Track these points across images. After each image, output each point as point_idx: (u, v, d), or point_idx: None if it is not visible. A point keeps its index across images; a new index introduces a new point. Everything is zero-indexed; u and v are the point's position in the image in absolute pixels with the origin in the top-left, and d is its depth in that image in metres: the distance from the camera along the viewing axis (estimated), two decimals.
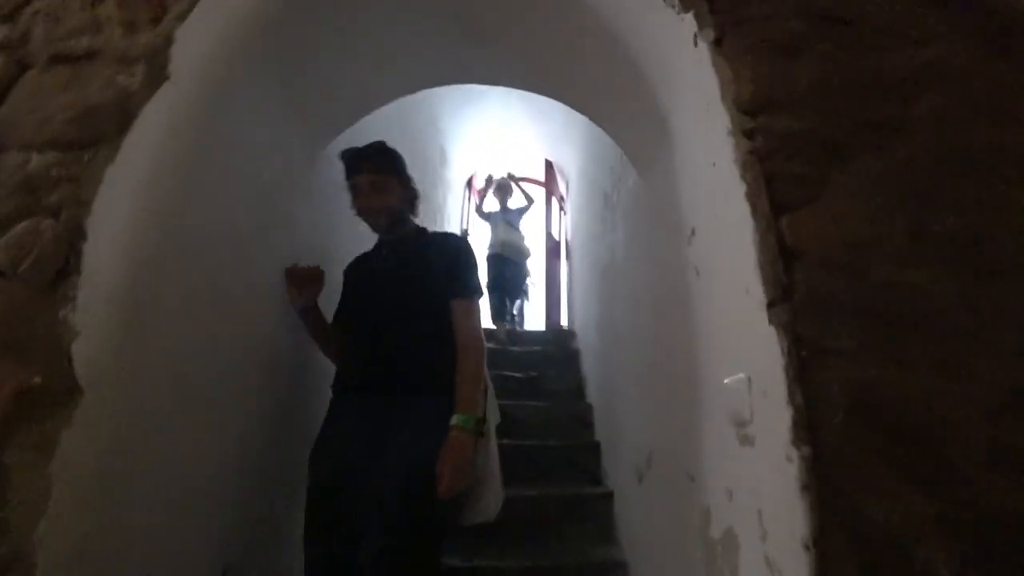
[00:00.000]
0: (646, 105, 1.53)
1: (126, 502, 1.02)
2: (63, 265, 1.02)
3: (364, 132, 2.02)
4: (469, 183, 5.83)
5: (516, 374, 3.43)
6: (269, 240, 1.59)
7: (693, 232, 1.25)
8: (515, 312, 4.75)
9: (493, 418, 1.46)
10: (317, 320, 1.64)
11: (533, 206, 5.05)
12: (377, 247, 1.69)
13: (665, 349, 1.60)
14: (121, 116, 1.16)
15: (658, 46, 1.35)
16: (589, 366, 3.48)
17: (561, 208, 6.10)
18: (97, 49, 1.24)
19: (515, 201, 5.00)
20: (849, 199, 0.95)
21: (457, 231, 4.98)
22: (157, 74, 1.19)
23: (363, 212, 1.60)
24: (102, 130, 1.14)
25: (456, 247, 1.57)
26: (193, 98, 1.21)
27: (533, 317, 5.38)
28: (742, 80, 1.06)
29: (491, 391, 1.47)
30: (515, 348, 3.92)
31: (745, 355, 0.95)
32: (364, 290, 1.56)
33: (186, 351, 1.19)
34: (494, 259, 4.68)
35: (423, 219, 1.81)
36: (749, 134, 1.00)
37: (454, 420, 1.26)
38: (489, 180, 5.02)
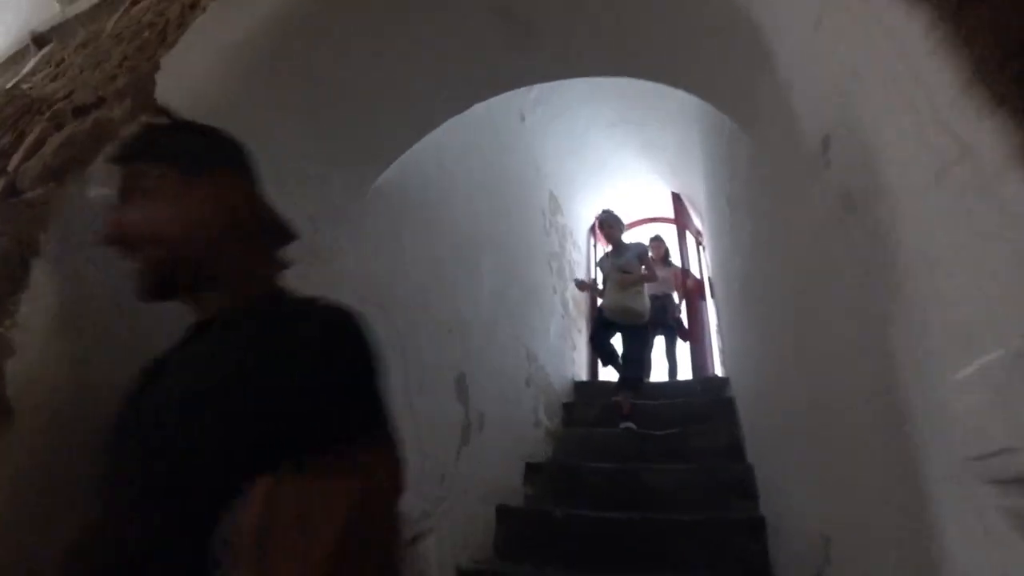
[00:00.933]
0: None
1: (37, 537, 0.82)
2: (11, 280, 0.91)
3: (455, 174, 1.84)
4: (593, 229, 5.51)
5: (654, 432, 2.86)
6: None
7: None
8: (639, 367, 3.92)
9: None
10: None
11: (652, 244, 4.60)
12: None
13: (852, 370, 0.96)
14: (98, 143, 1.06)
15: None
16: (747, 416, 2.78)
17: (699, 243, 5.45)
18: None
19: (630, 236, 4.51)
20: None
21: (585, 278, 4.56)
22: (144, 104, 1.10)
23: None
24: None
25: None
26: None
27: (680, 365, 4.71)
28: None
29: None
30: (651, 402, 3.34)
31: None
32: None
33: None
34: (601, 325, 3.72)
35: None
36: None
37: None
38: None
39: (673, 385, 3.99)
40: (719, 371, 4.34)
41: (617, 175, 5.00)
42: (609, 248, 3.96)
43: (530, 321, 3.32)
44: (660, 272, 4.19)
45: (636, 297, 3.35)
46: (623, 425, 3.18)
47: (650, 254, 4.35)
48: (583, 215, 5.15)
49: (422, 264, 2.12)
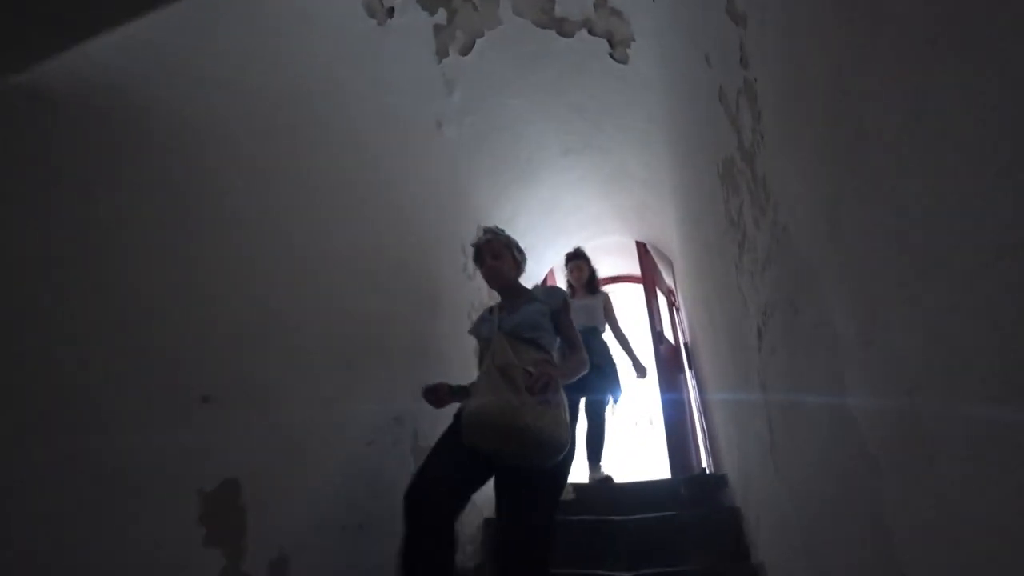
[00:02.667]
0: None
1: None
2: None
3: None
4: (544, 283, 4.58)
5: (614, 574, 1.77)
6: None
7: None
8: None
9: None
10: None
11: (570, 267, 3.54)
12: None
13: None
14: None
15: None
16: (768, 537, 1.72)
17: (672, 304, 4.56)
18: None
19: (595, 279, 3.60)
20: None
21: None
22: None
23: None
24: None
25: None
26: None
27: (639, 455, 3.65)
28: None
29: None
30: (616, 517, 2.25)
31: None
32: None
33: None
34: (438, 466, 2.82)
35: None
36: None
37: None
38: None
39: (646, 487, 2.88)
40: (708, 465, 3.29)
41: (572, 216, 4.15)
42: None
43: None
44: (584, 300, 3.29)
45: (541, 413, 1.45)
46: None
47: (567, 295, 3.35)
48: (530, 267, 4.22)
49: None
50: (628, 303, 5.36)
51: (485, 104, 3.04)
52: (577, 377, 1.72)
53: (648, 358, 3.76)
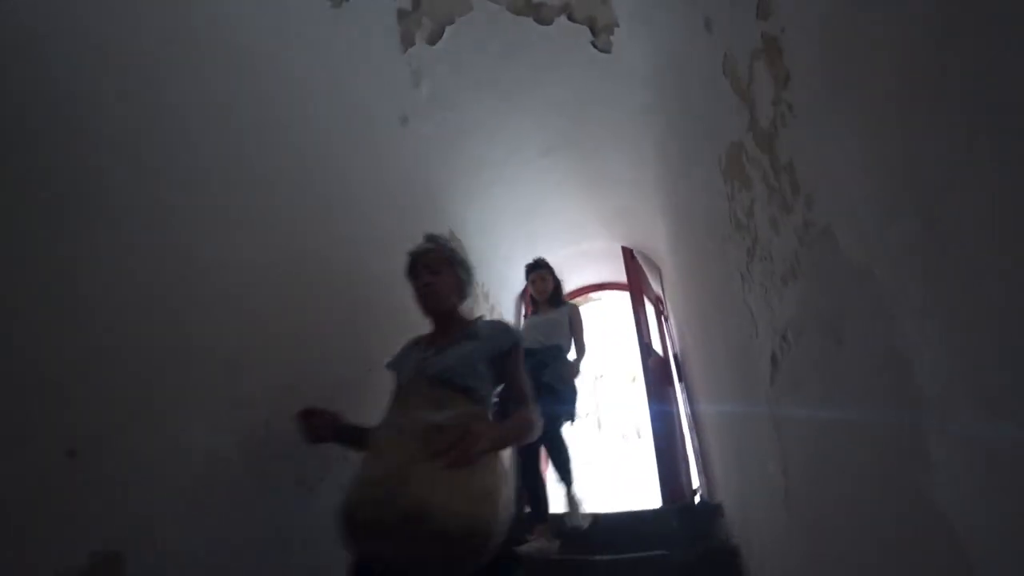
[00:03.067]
0: None
1: None
2: None
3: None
4: (524, 295, 4.35)
5: None
6: None
7: None
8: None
9: None
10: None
11: (532, 278, 3.03)
12: None
13: None
14: None
15: None
16: None
17: (660, 313, 4.34)
18: None
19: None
20: None
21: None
22: None
23: None
24: None
25: None
26: None
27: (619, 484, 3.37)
28: None
29: None
30: (600, 557, 1.99)
31: None
32: None
33: None
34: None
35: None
36: None
37: None
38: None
39: (628, 520, 2.61)
40: (702, 490, 3.05)
41: (553, 221, 3.91)
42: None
43: None
44: (548, 315, 2.87)
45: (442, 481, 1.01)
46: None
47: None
48: (508, 276, 3.97)
49: None
50: (613, 312, 5.13)
51: (456, 99, 2.78)
52: (520, 444, 1.36)
53: (636, 370, 3.51)
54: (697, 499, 3.10)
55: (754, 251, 1.09)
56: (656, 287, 4.46)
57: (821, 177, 0.72)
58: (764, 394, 1.23)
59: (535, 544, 2.13)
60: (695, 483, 3.42)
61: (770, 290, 1.02)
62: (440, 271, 1.38)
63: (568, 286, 4.59)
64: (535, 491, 2.42)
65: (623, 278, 4.18)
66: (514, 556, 1.12)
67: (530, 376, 2.50)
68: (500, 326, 1.40)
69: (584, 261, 4.57)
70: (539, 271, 2.99)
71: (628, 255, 4.08)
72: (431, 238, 1.46)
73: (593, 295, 5.15)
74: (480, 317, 1.48)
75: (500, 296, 3.77)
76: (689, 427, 3.69)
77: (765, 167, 0.92)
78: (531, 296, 3.08)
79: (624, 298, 4.43)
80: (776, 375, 1.08)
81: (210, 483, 1.11)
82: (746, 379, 1.41)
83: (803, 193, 0.77)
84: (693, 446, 3.62)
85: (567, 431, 2.60)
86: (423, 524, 0.89)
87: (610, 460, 9.08)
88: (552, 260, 3.17)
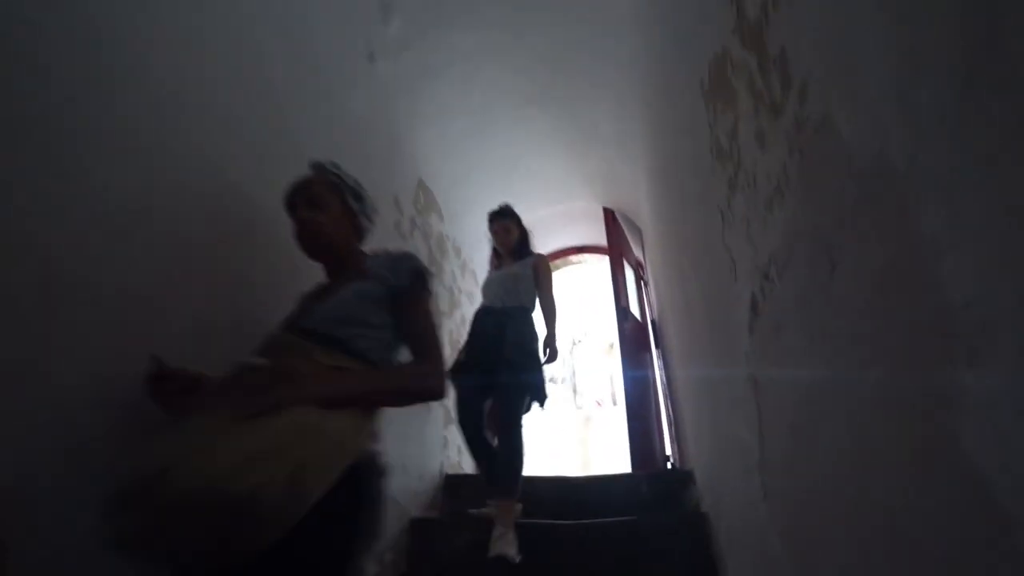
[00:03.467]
0: None
1: None
2: None
3: None
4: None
5: None
6: None
7: None
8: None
9: None
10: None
11: (495, 228, 2.57)
12: None
13: None
14: None
15: None
16: (742, 556, 1.39)
17: (640, 278, 4.22)
18: None
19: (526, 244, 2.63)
20: None
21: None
22: None
23: None
24: None
25: None
26: None
27: (607, 451, 3.28)
28: None
29: None
30: (560, 522, 1.90)
31: None
32: None
33: None
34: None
35: None
36: None
37: None
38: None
39: (598, 485, 2.51)
40: (674, 458, 2.98)
41: (532, 178, 3.73)
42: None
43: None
44: (509, 269, 2.44)
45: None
46: (494, 553, 1.73)
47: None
48: (483, 231, 3.79)
49: None
50: (593, 277, 5.01)
51: (428, 38, 2.57)
52: (400, 404, 1.05)
53: (612, 335, 3.40)
54: (669, 466, 3.03)
55: (736, 180, 0.94)
56: (638, 252, 4.34)
57: (818, 60, 0.57)
58: (742, 349, 1.10)
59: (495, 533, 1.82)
60: (668, 450, 3.36)
61: (753, 222, 0.88)
62: (323, 204, 1.12)
63: (548, 247, 4.43)
64: (487, 459, 2.11)
65: (603, 241, 4.04)
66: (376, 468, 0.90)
67: (488, 344, 2.20)
68: (399, 260, 1.12)
69: (565, 222, 4.42)
70: (502, 220, 2.53)
71: (610, 216, 3.93)
72: (315, 165, 1.19)
73: (574, 258, 5.01)
74: (384, 250, 1.19)
75: (473, 254, 3.61)
76: (664, 395, 3.62)
77: (752, 69, 0.77)
78: (495, 250, 2.65)
79: (605, 262, 4.31)
80: (755, 322, 0.95)
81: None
82: (723, 334, 1.29)
83: (795, 86, 0.63)
84: (667, 414, 3.56)
85: (531, 418, 2.18)
86: (162, 496, 0.66)
87: (585, 426, 9.10)
88: (531, 219, 2.91)
